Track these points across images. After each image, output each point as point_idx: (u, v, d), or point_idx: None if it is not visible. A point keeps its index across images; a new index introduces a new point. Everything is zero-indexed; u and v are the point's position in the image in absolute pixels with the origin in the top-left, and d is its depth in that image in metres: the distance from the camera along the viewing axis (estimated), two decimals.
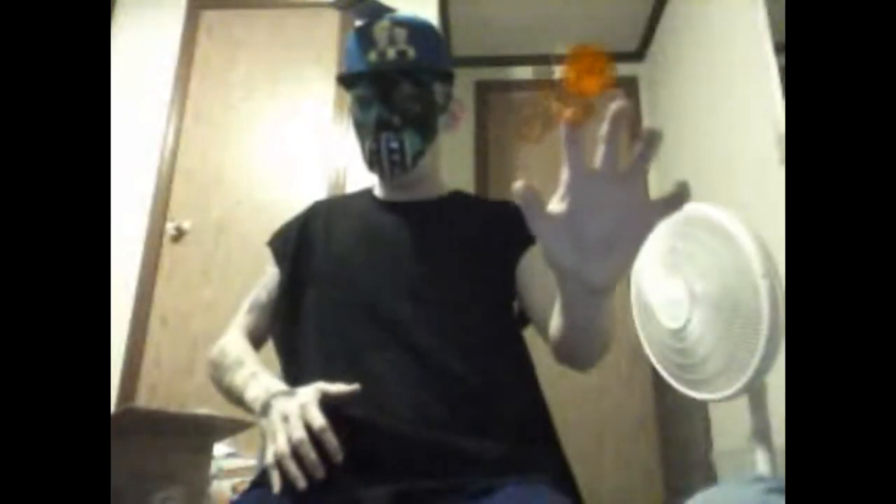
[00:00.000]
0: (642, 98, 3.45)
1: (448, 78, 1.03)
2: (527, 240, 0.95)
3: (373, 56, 0.96)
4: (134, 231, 2.47)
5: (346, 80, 1.00)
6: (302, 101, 2.67)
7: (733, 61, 2.22)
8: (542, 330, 0.91)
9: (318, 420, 0.74)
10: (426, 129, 0.99)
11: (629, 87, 3.48)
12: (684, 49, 2.86)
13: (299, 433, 0.73)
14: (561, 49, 3.43)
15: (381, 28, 0.97)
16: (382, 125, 0.95)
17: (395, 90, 0.96)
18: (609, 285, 0.53)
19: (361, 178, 2.50)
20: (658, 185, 3.27)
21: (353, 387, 0.80)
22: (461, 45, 3.45)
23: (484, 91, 3.53)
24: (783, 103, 1.78)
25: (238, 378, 0.90)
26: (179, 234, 2.48)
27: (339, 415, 0.79)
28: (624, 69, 3.51)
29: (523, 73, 3.57)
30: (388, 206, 1.04)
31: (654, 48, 3.33)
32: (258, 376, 0.87)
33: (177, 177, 2.57)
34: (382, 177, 1.02)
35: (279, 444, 0.74)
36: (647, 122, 3.40)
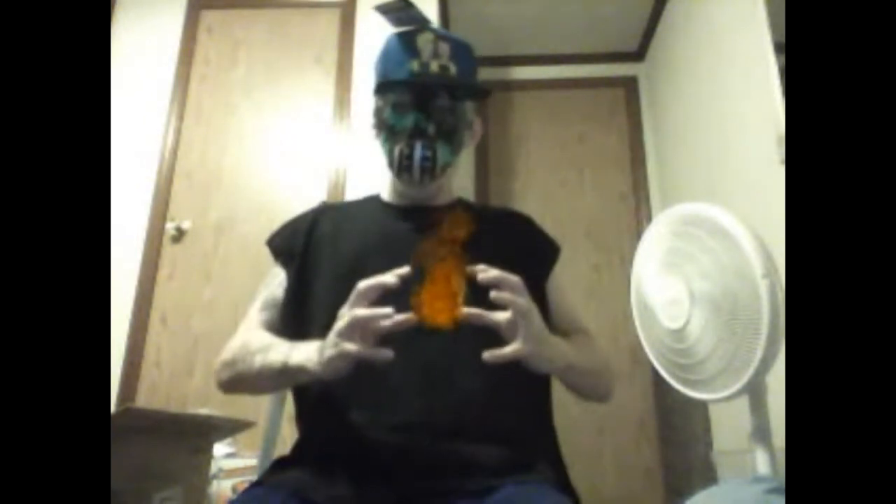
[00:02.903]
0: (642, 98, 3.45)
1: (482, 96, 1.06)
2: (552, 261, 1.07)
3: (416, 66, 0.98)
4: (134, 231, 2.47)
5: (386, 85, 1.01)
6: (302, 101, 2.67)
7: (733, 61, 2.22)
8: None
9: (364, 312, 0.75)
10: (456, 142, 1.02)
11: (629, 87, 3.48)
12: (684, 49, 2.85)
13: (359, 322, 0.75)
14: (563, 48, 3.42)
15: (426, 40, 0.99)
16: (418, 132, 0.97)
17: (433, 101, 0.98)
18: (537, 365, 0.79)
19: (361, 179, 2.49)
20: (658, 184, 3.27)
21: (388, 352, 0.74)
22: None
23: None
24: (783, 103, 1.77)
25: (272, 355, 0.86)
26: (179, 234, 2.48)
27: (344, 418, 0.78)
28: (624, 69, 3.51)
29: (523, 73, 3.57)
30: (400, 210, 1.04)
31: (654, 48, 3.33)
32: (298, 346, 0.84)
33: (177, 177, 2.56)
34: (410, 182, 1.01)
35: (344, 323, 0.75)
36: (647, 122, 3.40)
